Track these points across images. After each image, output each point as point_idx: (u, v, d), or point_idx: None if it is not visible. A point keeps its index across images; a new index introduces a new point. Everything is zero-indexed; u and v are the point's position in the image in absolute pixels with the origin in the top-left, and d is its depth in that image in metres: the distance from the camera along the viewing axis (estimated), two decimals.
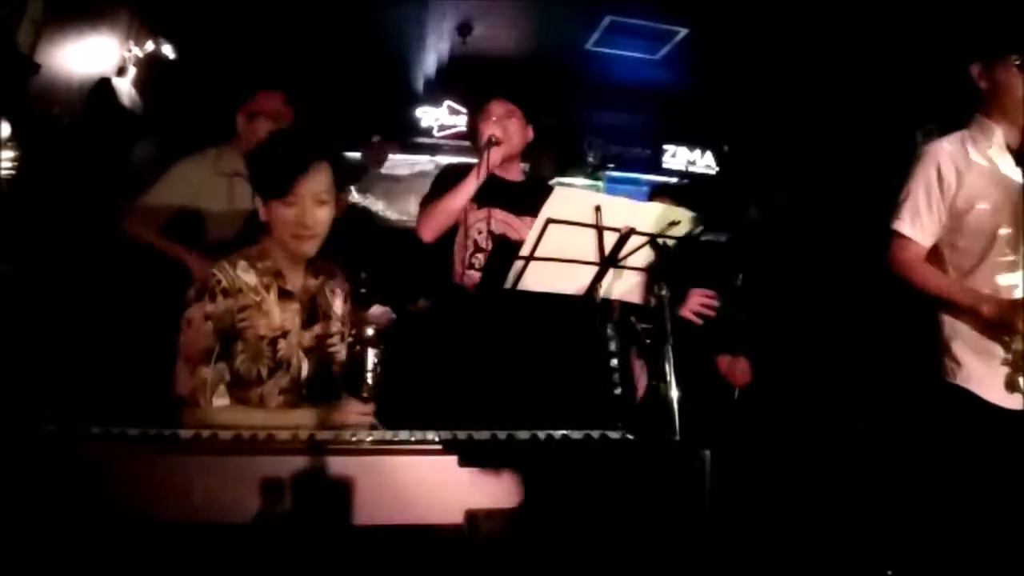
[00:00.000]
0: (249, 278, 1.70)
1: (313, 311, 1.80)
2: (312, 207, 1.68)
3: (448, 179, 2.30)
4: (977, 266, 1.89)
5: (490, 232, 2.28)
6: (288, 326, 1.73)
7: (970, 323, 1.86)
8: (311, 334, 1.78)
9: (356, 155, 3.47)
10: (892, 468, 2.37)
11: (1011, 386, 1.79)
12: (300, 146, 1.72)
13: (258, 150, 1.79)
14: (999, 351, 1.82)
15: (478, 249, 2.28)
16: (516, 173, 2.42)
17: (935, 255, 1.96)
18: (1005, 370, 1.81)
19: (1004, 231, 1.85)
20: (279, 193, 1.66)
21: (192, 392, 1.60)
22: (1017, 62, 1.83)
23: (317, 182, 1.68)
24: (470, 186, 2.19)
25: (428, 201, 2.28)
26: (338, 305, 1.87)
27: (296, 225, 1.68)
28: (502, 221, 2.30)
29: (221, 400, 1.61)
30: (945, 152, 1.93)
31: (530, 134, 2.39)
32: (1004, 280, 1.86)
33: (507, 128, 2.29)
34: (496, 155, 2.19)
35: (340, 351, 1.83)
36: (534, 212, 2.15)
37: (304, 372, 1.75)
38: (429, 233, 2.23)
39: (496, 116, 2.32)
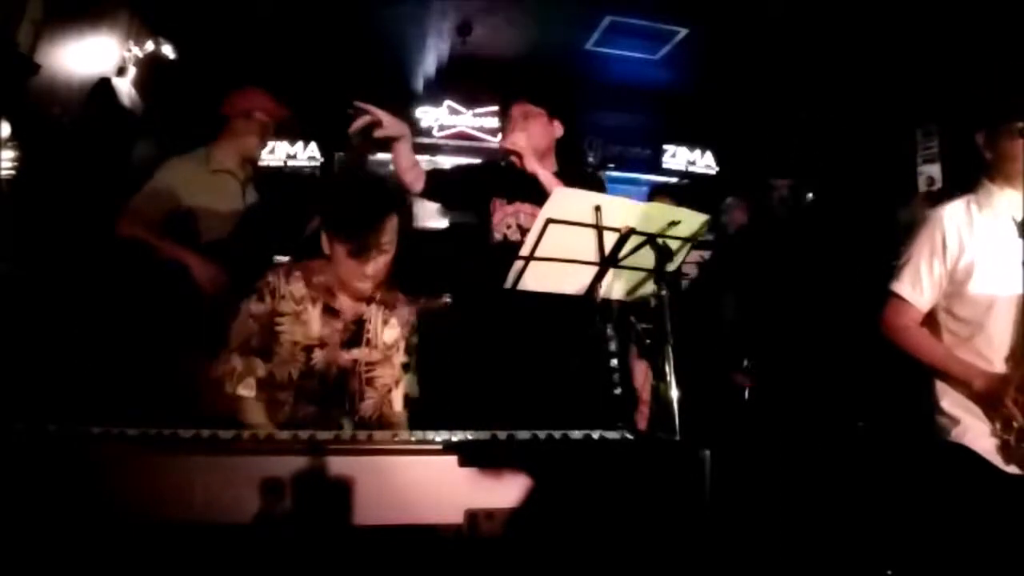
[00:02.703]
0: (297, 288, 1.77)
1: (356, 335, 1.82)
2: (376, 257, 1.72)
3: (487, 177, 2.39)
4: (973, 335, 1.86)
5: (519, 226, 2.31)
6: (328, 340, 1.78)
7: (960, 391, 1.85)
8: (349, 356, 1.81)
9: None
10: (893, 469, 2.37)
11: (1008, 456, 1.76)
12: (378, 196, 1.76)
13: (338, 186, 1.91)
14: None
15: (506, 238, 2.31)
16: (548, 168, 2.39)
17: (930, 320, 1.94)
18: (995, 435, 1.78)
19: (1003, 302, 1.81)
20: (348, 239, 1.69)
21: (219, 377, 1.71)
22: (1022, 128, 1.78)
23: (385, 233, 1.71)
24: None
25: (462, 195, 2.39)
26: (389, 335, 1.87)
27: (359, 275, 1.73)
28: (531, 215, 2.29)
29: (246, 391, 1.71)
30: (950, 218, 1.90)
31: (557, 130, 2.39)
32: (999, 352, 1.82)
33: (528, 129, 2.30)
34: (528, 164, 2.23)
35: (381, 377, 1.85)
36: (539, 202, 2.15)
37: (330, 385, 1.80)
38: (417, 185, 2.29)
39: (515, 119, 2.33)
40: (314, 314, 1.77)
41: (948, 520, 1.80)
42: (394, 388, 1.89)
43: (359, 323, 1.84)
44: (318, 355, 1.77)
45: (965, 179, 1.99)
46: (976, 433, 1.82)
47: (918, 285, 1.90)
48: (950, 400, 1.87)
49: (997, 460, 1.78)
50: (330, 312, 1.79)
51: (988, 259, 1.85)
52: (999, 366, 1.81)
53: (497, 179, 2.37)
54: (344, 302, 1.81)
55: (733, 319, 3.21)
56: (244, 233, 2.57)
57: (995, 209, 1.88)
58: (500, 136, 2.44)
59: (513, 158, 2.25)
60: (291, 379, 1.75)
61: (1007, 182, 1.88)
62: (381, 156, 5.58)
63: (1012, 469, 1.77)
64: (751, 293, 3.19)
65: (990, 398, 1.78)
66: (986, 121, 1.92)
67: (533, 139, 2.29)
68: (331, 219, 1.75)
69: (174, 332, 2.39)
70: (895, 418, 2.48)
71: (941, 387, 1.89)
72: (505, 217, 2.34)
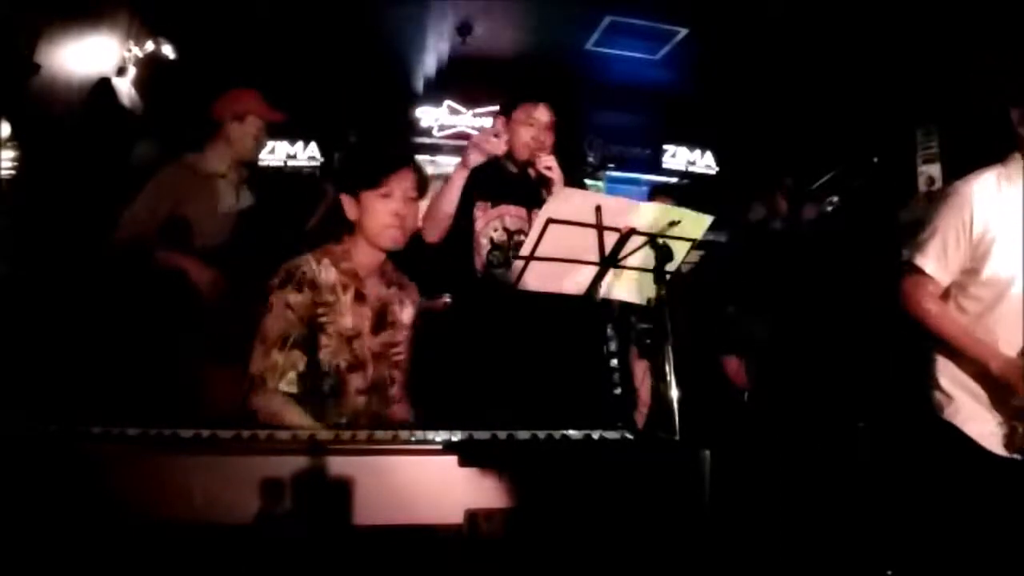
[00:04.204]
0: (329, 276, 1.80)
1: (382, 318, 1.87)
2: (403, 202, 1.81)
3: (468, 184, 2.32)
4: (984, 314, 1.84)
5: (505, 228, 2.28)
6: (360, 328, 1.81)
7: (968, 371, 1.83)
8: (379, 340, 1.85)
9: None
10: (893, 468, 2.36)
11: (1011, 445, 1.76)
12: (392, 145, 1.87)
13: (352, 148, 1.96)
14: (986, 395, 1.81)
15: (495, 247, 2.28)
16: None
17: (943, 293, 1.91)
18: (994, 417, 1.79)
19: (1019, 282, 1.80)
20: (374, 184, 1.80)
21: (261, 373, 1.69)
22: None
23: (408, 179, 1.83)
24: (457, 179, 2.22)
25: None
26: (407, 315, 1.94)
27: (392, 215, 1.80)
28: (516, 216, 2.29)
29: (288, 387, 1.69)
30: (979, 194, 1.85)
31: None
32: (1008, 333, 1.81)
33: (547, 140, 2.27)
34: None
35: (403, 358, 1.92)
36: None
37: (370, 375, 1.82)
38: (429, 236, 2.27)
39: (544, 124, 2.28)
40: (346, 302, 1.80)
41: (937, 498, 1.81)
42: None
43: (383, 306, 1.88)
44: (357, 345, 1.79)
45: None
46: (968, 414, 1.82)
47: (942, 261, 1.86)
48: (948, 378, 1.86)
49: (989, 443, 1.78)
50: (359, 299, 1.82)
51: (1010, 238, 1.81)
52: (1006, 348, 1.79)
53: (478, 182, 2.29)
54: (371, 286, 1.86)
55: (737, 319, 3.20)
56: (241, 236, 2.56)
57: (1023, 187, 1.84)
58: (501, 134, 2.36)
59: (545, 182, 2.18)
60: (339, 370, 1.76)
61: None
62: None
63: (1003, 452, 1.77)
64: (754, 291, 3.19)
65: (1004, 381, 1.75)
66: (1021, 98, 1.85)
67: (549, 149, 2.25)
68: (356, 169, 1.89)
69: (174, 332, 2.40)
70: (895, 418, 2.48)
71: (942, 363, 1.88)
72: (490, 221, 2.29)
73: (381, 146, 1.94)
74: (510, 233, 2.28)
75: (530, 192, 2.25)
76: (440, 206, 2.23)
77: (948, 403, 1.86)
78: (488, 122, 5.95)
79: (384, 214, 1.80)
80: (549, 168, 2.17)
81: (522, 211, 2.30)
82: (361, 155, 1.92)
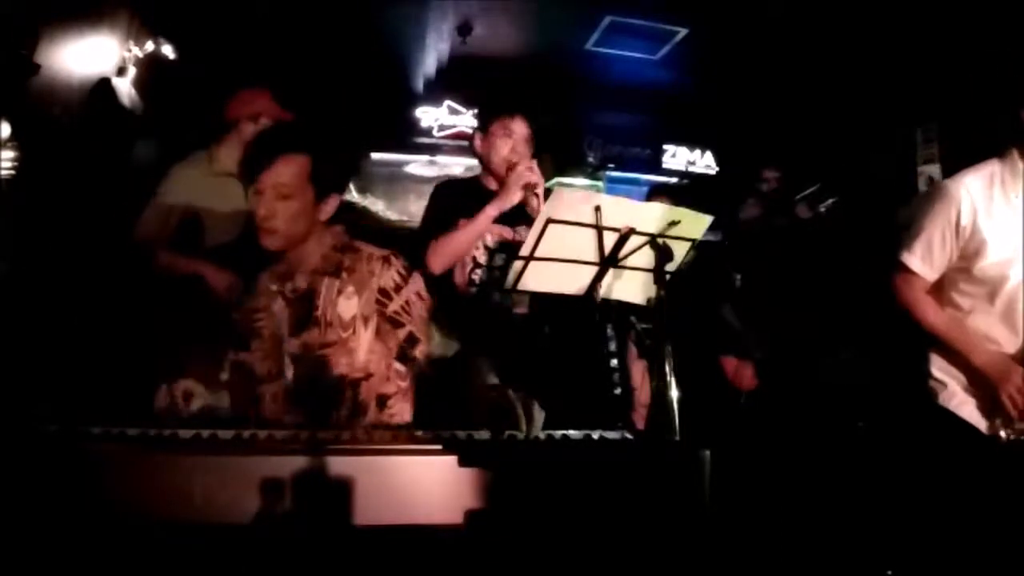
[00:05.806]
0: (269, 283, 1.74)
1: (305, 315, 1.65)
2: (272, 200, 1.58)
3: (446, 200, 2.26)
4: (975, 310, 1.88)
5: (487, 247, 2.25)
6: (282, 330, 1.67)
7: (955, 363, 1.90)
8: (298, 340, 1.65)
9: None
10: (893, 468, 2.37)
11: (992, 430, 1.83)
12: (271, 138, 1.69)
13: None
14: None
15: (477, 265, 2.25)
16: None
17: (935, 285, 1.94)
18: (981, 402, 1.86)
19: (1011, 283, 1.82)
20: (250, 185, 1.61)
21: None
22: None
23: (281, 174, 1.59)
24: (485, 220, 2.11)
25: (433, 229, 2.19)
26: (344, 308, 1.64)
27: (259, 218, 1.59)
28: (498, 234, 2.26)
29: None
30: (967, 193, 1.85)
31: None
32: (999, 331, 1.85)
33: (525, 153, 2.22)
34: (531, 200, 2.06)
35: (336, 366, 1.63)
36: (528, 223, 2.13)
37: (288, 379, 1.65)
38: (440, 267, 2.15)
39: (522, 137, 2.23)
40: (278, 304, 1.69)
41: (937, 483, 1.86)
42: (364, 381, 1.63)
43: (306, 298, 1.65)
44: (284, 348, 1.65)
45: None
46: (961, 399, 1.89)
47: (928, 259, 1.90)
48: (938, 366, 1.94)
49: (981, 424, 1.85)
50: (284, 298, 1.68)
51: (1002, 239, 1.83)
52: (995, 344, 1.85)
53: (465, 198, 2.23)
54: (299, 281, 1.67)
55: (733, 322, 3.21)
56: (250, 235, 2.56)
57: (1018, 187, 1.84)
58: (490, 148, 2.25)
59: (532, 196, 2.07)
60: (271, 373, 1.67)
61: None
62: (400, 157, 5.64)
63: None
64: (751, 290, 3.19)
65: (988, 377, 1.82)
66: None
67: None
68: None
69: (176, 332, 2.40)
70: (895, 418, 2.48)
71: (934, 355, 1.95)
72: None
73: (260, 139, 1.69)
74: (491, 251, 2.25)
75: (512, 209, 2.18)
76: (457, 244, 2.13)
77: (942, 390, 1.92)
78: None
79: (257, 216, 1.60)
80: (531, 169, 2.09)
81: (505, 229, 2.26)
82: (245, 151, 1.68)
